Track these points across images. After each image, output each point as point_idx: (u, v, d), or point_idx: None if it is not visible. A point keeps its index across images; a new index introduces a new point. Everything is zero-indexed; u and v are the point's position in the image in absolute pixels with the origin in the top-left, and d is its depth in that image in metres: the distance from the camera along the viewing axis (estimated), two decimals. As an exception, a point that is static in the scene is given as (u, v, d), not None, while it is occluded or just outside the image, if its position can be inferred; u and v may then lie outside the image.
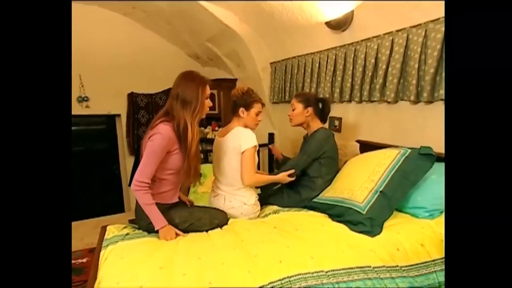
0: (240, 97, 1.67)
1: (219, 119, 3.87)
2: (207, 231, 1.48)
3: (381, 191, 1.42)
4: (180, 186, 1.59)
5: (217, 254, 1.17)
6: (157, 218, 1.38)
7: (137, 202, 1.42)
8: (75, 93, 3.68)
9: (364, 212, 1.37)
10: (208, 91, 1.48)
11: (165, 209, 1.45)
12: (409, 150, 1.53)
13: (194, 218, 1.50)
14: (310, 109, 1.90)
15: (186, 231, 1.45)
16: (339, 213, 1.48)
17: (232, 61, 3.60)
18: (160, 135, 1.35)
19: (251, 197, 1.68)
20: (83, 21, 3.55)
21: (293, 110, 1.94)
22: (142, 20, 3.65)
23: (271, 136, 3.66)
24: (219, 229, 1.49)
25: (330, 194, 1.65)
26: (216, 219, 1.54)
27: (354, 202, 1.44)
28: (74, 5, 3.44)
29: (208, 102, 1.49)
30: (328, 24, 2.19)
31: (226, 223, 1.56)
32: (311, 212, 1.64)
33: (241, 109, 1.68)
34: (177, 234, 1.40)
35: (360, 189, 1.47)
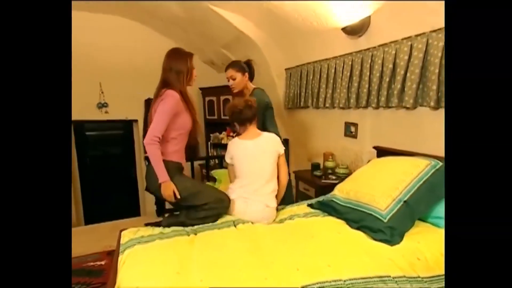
0: (250, 108, 1.81)
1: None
2: (214, 221, 1.62)
3: (405, 201, 1.39)
4: (185, 147, 1.81)
5: (234, 261, 1.17)
6: (162, 173, 1.58)
7: (147, 169, 1.67)
8: (95, 99, 3.81)
9: (386, 220, 1.34)
10: (193, 62, 1.74)
11: (177, 170, 1.68)
12: (440, 163, 1.49)
13: (194, 188, 1.68)
14: (246, 74, 2.22)
15: (184, 199, 1.63)
16: (358, 218, 1.45)
17: (247, 67, 3.62)
18: (170, 97, 1.60)
19: (275, 200, 1.78)
20: (104, 31, 3.69)
21: (234, 80, 2.18)
22: (159, 28, 3.75)
23: (285, 142, 3.65)
24: (234, 229, 1.49)
25: (350, 196, 1.61)
26: (216, 202, 1.66)
27: (375, 209, 1.41)
28: (94, 15, 3.58)
29: (195, 72, 1.76)
30: (344, 29, 2.18)
31: (225, 212, 1.70)
32: (327, 218, 1.62)
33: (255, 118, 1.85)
34: (174, 194, 1.59)
35: (383, 196, 1.44)
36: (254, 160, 1.76)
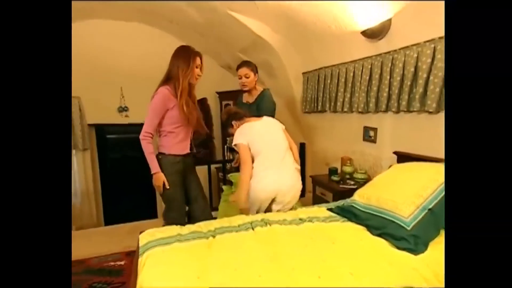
0: (240, 109, 2.13)
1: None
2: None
3: (430, 209, 1.34)
4: (190, 138, 1.97)
5: (254, 266, 1.16)
6: (153, 165, 1.80)
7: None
8: (116, 103, 3.93)
9: (409, 228, 1.30)
10: (198, 61, 1.85)
11: (180, 161, 1.88)
12: None
13: (169, 197, 1.88)
14: (257, 75, 2.32)
15: (162, 197, 1.90)
16: (380, 225, 1.41)
17: (264, 71, 3.64)
18: (158, 94, 1.77)
19: (296, 165, 2.01)
20: (125, 38, 3.81)
21: (247, 78, 2.26)
22: (177, 33, 3.82)
23: (302, 146, 3.63)
24: (252, 232, 1.49)
25: (371, 202, 1.58)
26: (169, 216, 1.91)
27: (398, 216, 1.37)
28: (116, 23, 3.70)
29: (198, 71, 1.86)
30: (364, 33, 2.16)
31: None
32: (347, 224, 1.59)
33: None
34: (164, 184, 1.82)
35: (406, 202, 1.40)
36: (270, 136, 1.94)
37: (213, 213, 2.77)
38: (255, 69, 2.29)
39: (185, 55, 1.81)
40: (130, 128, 4.30)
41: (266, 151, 1.89)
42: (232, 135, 2.06)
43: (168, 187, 1.83)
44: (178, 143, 1.87)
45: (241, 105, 2.38)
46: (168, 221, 1.92)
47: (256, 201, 1.87)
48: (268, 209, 1.92)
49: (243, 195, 1.85)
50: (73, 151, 3.91)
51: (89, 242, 2.74)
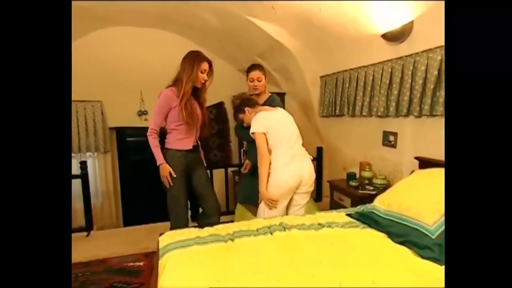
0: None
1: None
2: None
3: (455, 217, 1.29)
4: (195, 136, 2.09)
5: (273, 271, 1.16)
6: (158, 157, 1.97)
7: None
8: (136, 107, 4.03)
9: (434, 237, 1.25)
10: (203, 66, 1.94)
11: (182, 155, 2.01)
12: None
13: (174, 184, 2.00)
14: (266, 79, 2.31)
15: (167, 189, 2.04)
16: (402, 232, 1.37)
17: (281, 75, 3.64)
18: (161, 96, 1.94)
19: None
20: (146, 44, 3.92)
21: (260, 81, 2.25)
22: (196, 39, 3.89)
23: (319, 150, 3.59)
24: (271, 237, 1.48)
25: (392, 209, 1.54)
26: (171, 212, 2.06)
27: (421, 223, 1.33)
28: (138, 29, 3.81)
29: (202, 75, 1.96)
30: (384, 36, 2.12)
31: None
32: (368, 230, 1.55)
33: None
34: (170, 174, 1.97)
35: (430, 210, 1.35)
36: (287, 124, 2.00)
37: (230, 217, 2.79)
38: (265, 73, 2.32)
39: (190, 60, 1.94)
40: (144, 131, 4.40)
41: (287, 140, 1.94)
42: (242, 120, 2.08)
43: (174, 175, 1.97)
44: (181, 140, 2.01)
45: None
46: (172, 215, 2.08)
47: (287, 191, 1.92)
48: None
49: (265, 187, 1.92)
50: (95, 154, 4.04)
51: (109, 242, 2.80)
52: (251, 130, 1.96)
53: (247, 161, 2.27)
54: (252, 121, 1.99)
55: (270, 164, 1.93)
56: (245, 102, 2.07)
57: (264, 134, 1.93)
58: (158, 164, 1.98)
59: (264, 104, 2.34)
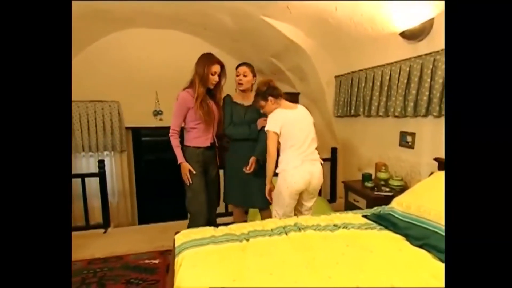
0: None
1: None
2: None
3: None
4: (212, 134, 2.17)
5: (289, 272, 1.15)
6: (179, 156, 2.08)
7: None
8: (152, 107, 4.10)
9: (455, 240, 1.22)
10: (213, 68, 2.03)
11: (201, 153, 2.12)
12: None
13: (193, 188, 2.11)
14: (255, 79, 2.27)
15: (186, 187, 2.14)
16: (421, 235, 1.34)
17: (296, 75, 3.62)
18: (179, 98, 2.05)
19: None
20: (160, 44, 3.97)
21: (245, 76, 2.22)
22: (211, 39, 3.92)
23: (333, 151, 3.55)
24: (286, 237, 1.48)
25: (411, 211, 1.50)
26: (191, 209, 2.16)
27: (442, 227, 1.29)
28: (152, 31, 3.87)
29: (213, 77, 2.04)
30: (402, 34, 2.08)
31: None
32: (385, 232, 1.52)
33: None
34: (190, 172, 2.07)
35: (451, 213, 1.32)
36: (303, 126, 1.97)
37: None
38: (254, 72, 2.28)
39: (202, 63, 2.03)
40: (164, 131, 4.44)
41: (301, 143, 1.92)
42: (261, 107, 2.03)
43: (194, 172, 2.08)
44: (199, 137, 2.11)
45: (232, 105, 2.29)
46: (191, 211, 2.17)
47: (295, 192, 1.93)
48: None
49: (269, 186, 2.00)
50: (112, 153, 4.13)
51: (126, 240, 2.86)
52: (266, 127, 1.96)
53: (252, 158, 2.22)
54: (269, 117, 1.97)
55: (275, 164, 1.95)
56: (270, 90, 1.99)
57: (277, 134, 1.92)
58: (178, 162, 2.09)
59: (253, 105, 2.26)
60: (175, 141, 2.08)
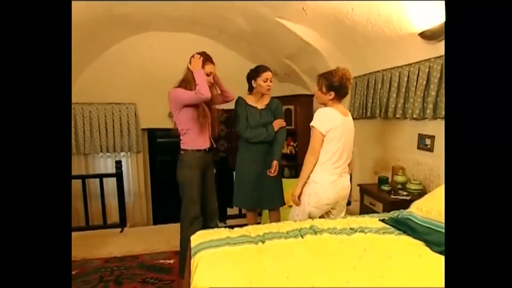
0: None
1: (295, 134, 3.87)
2: None
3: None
4: (208, 135, 2.10)
5: (306, 276, 1.14)
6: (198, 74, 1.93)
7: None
8: (167, 109, 4.12)
9: (479, 247, 1.18)
10: (209, 68, 1.98)
11: (201, 156, 2.04)
12: None
13: (193, 187, 2.03)
14: None
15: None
16: (442, 241, 1.30)
17: (310, 77, 3.60)
18: (170, 96, 2.00)
19: None
20: (176, 47, 4.03)
21: (271, 82, 2.21)
22: (225, 41, 3.96)
23: (348, 153, 3.50)
24: (302, 240, 1.46)
25: (430, 216, 1.46)
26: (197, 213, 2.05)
27: (465, 234, 1.25)
28: (168, 34, 3.93)
29: (208, 78, 1.96)
30: (422, 34, 2.03)
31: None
32: (403, 237, 1.48)
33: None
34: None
35: (475, 220, 1.27)
36: (347, 137, 1.83)
37: (241, 220, 2.77)
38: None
39: (193, 61, 1.98)
40: (175, 131, 4.53)
41: (342, 156, 1.81)
42: (317, 95, 1.89)
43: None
44: (197, 139, 2.03)
45: (246, 108, 2.27)
46: (185, 219, 2.07)
47: (326, 207, 1.86)
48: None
49: (299, 191, 1.84)
50: (128, 153, 4.22)
51: (142, 239, 2.91)
52: (313, 122, 1.79)
53: (275, 161, 2.20)
54: (319, 112, 1.79)
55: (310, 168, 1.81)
56: (336, 85, 1.77)
57: (323, 135, 1.75)
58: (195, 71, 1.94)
59: (268, 106, 2.29)
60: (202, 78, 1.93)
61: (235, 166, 2.38)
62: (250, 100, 2.30)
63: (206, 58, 2.00)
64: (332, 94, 1.79)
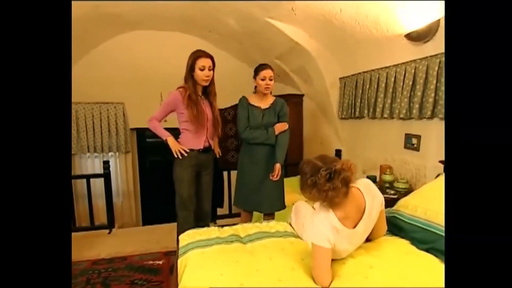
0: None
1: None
2: None
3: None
4: (206, 136, 2.08)
5: (297, 279, 1.14)
6: (162, 133, 2.01)
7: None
8: (156, 109, 4.09)
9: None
10: (200, 62, 1.93)
11: (194, 156, 2.03)
12: None
13: (183, 186, 2.05)
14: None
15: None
16: (427, 239, 1.33)
17: (300, 77, 3.62)
18: (169, 95, 1.99)
19: None
20: (166, 46, 4.00)
21: (271, 80, 2.15)
22: (216, 41, 3.94)
23: (338, 153, 3.54)
24: (294, 240, 1.47)
25: (417, 214, 1.48)
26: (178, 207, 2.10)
27: (450, 232, 1.28)
28: (158, 33, 3.89)
29: (203, 72, 1.94)
30: (408, 36, 2.07)
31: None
32: (389, 237, 1.51)
33: None
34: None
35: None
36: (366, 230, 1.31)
37: (237, 219, 2.78)
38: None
39: (189, 60, 1.96)
40: (169, 132, 4.49)
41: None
42: (310, 196, 1.21)
43: (186, 152, 1.98)
44: (193, 139, 2.02)
45: (248, 108, 2.21)
46: (179, 218, 2.10)
47: None
48: None
49: None
50: (116, 154, 4.16)
51: (130, 240, 2.87)
52: (312, 241, 1.17)
53: (277, 165, 2.13)
54: (314, 225, 1.18)
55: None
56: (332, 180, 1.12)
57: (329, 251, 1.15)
58: (164, 139, 2.01)
59: (272, 106, 2.21)
60: (153, 123, 2.02)
61: (237, 166, 2.33)
62: (253, 100, 2.24)
63: (199, 52, 1.97)
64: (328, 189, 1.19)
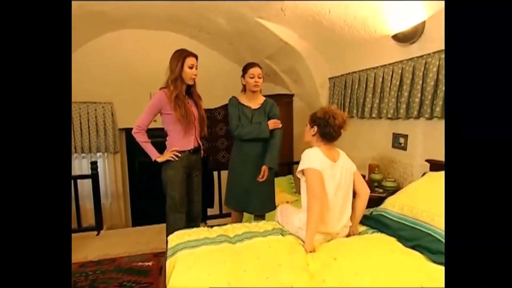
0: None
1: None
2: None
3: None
4: (195, 136, 2.03)
5: (284, 276, 1.14)
6: (152, 152, 1.95)
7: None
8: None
9: (447, 242, 1.23)
10: (188, 61, 1.89)
11: (185, 157, 1.97)
12: None
13: (175, 188, 1.98)
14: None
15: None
16: (413, 236, 1.35)
17: (290, 77, 3.64)
18: (154, 96, 1.93)
19: None
20: (155, 46, 3.96)
21: (259, 78, 2.15)
22: (206, 41, 3.92)
23: (327, 152, 3.57)
24: (282, 238, 1.47)
25: (404, 212, 1.51)
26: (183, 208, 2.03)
27: (435, 229, 1.31)
28: (147, 32, 3.84)
29: (191, 71, 1.91)
30: (395, 37, 2.10)
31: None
32: (376, 235, 1.53)
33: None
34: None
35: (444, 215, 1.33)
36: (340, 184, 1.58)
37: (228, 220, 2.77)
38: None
39: (175, 58, 1.89)
40: (157, 132, 4.39)
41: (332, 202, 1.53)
42: (304, 132, 1.70)
43: (179, 152, 1.94)
44: (181, 140, 1.96)
45: (239, 107, 2.19)
46: (170, 221, 2.04)
47: None
48: None
49: (311, 246, 1.40)
50: (105, 154, 4.09)
51: (119, 242, 2.83)
52: (300, 166, 1.54)
53: (264, 166, 2.08)
54: (302, 156, 1.57)
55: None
56: (319, 120, 1.59)
57: (320, 172, 1.46)
58: (153, 159, 1.95)
59: (262, 106, 2.20)
60: (141, 138, 1.93)
61: (228, 166, 2.30)
62: (243, 99, 2.22)
63: (186, 51, 1.93)
64: (315, 129, 1.61)
